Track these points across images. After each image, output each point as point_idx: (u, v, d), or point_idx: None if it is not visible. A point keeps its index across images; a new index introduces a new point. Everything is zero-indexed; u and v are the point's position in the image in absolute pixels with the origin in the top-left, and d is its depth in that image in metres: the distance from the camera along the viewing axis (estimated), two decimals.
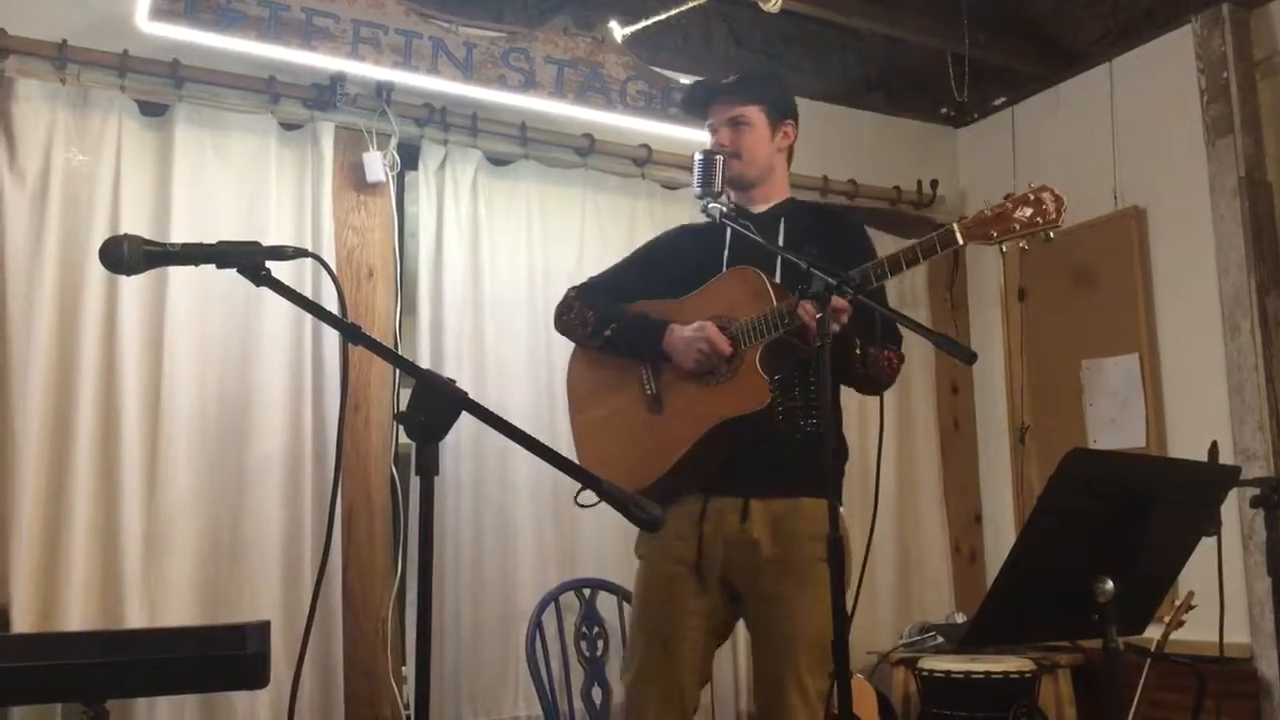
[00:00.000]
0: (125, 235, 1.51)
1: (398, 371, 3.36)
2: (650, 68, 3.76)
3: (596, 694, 3.29)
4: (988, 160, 4.49)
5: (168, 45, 3.11)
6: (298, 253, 1.58)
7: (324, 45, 3.22)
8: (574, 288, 2.75)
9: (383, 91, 3.42)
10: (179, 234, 3.08)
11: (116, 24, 3.08)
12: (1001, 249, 2.24)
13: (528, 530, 3.46)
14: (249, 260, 1.53)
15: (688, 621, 2.47)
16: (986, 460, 4.46)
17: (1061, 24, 4.25)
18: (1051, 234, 2.18)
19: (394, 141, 3.46)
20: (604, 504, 1.56)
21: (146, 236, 1.53)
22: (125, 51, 3.09)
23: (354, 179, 3.43)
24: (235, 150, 3.26)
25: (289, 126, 3.36)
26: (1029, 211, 2.18)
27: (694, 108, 2.71)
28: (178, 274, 3.07)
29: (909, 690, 3.72)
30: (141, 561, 2.96)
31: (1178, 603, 2.93)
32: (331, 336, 3.24)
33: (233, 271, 1.53)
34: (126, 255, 1.50)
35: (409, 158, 3.53)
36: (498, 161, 3.65)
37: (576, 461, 2.44)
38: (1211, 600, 2.46)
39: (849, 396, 2.56)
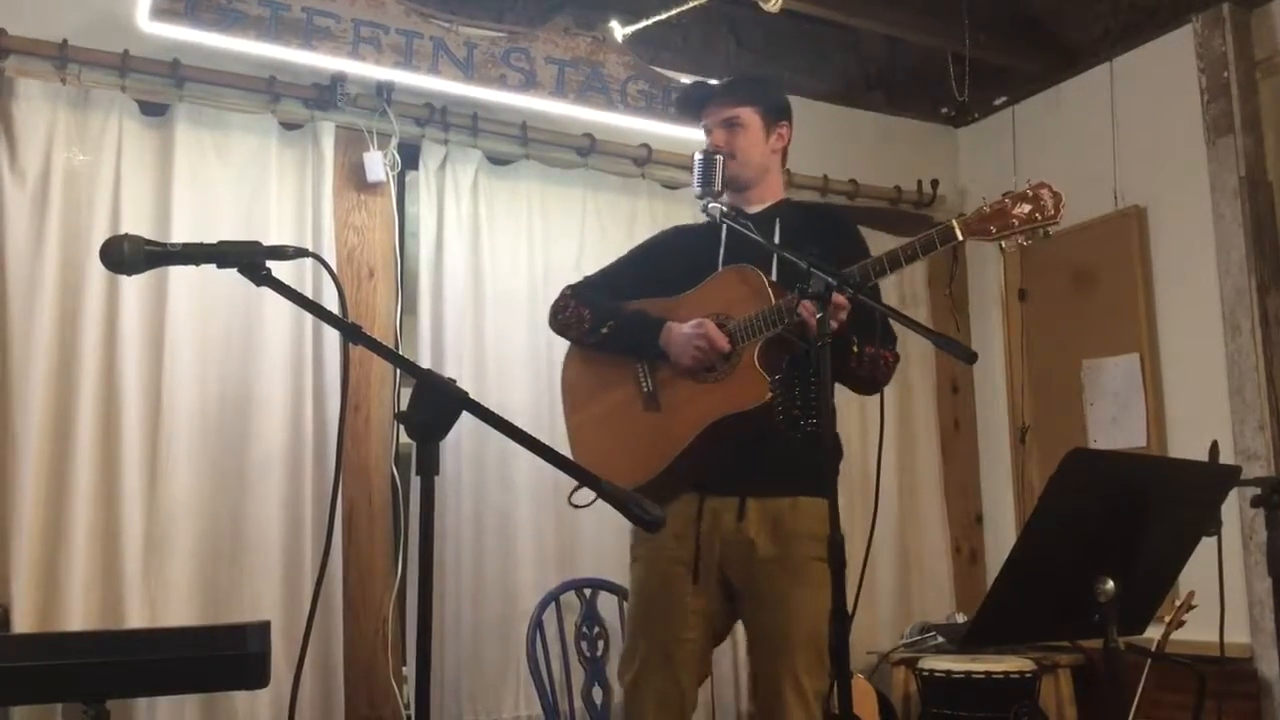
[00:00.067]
0: (126, 235, 1.52)
1: (398, 371, 3.36)
2: (651, 67, 3.76)
3: (597, 694, 3.29)
4: (988, 160, 4.48)
5: (168, 45, 3.11)
6: (298, 252, 1.58)
7: (324, 45, 3.23)
8: (569, 286, 2.74)
9: (383, 91, 3.42)
10: (179, 234, 3.08)
11: (117, 24, 3.09)
12: (1001, 246, 2.25)
13: (528, 530, 3.45)
14: (249, 260, 1.53)
15: (686, 621, 2.47)
16: (987, 460, 4.46)
17: (1062, 23, 4.24)
18: (1050, 231, 2.20)
19: (394, 141, 3.46)
20: (603, 503, 1.55)
21: (147, 236, 1.54)
22: (126, 51, 3.09)
23: (354, 179, 3.43)
24: (236, 150, 3.26)
25: (289, 126, 3.36)
26: (1028, 208, 2.18)
27: (689, 109, 2.72)
28: (178, 274, 3.07)
29: (909, 690, 3.72)
30: (142, 561, 2.96)
31: (1178, 603, 2.93)
32: (332, 336, 3.24)
33: (233, 271, 1.53)
34: (127, 255, 1.51)
35: (409, 157, 3.53)
36: (498, 161, 3.65)
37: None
38: (1212, 600, 2.47)
39: (851, 398, 2.56)
